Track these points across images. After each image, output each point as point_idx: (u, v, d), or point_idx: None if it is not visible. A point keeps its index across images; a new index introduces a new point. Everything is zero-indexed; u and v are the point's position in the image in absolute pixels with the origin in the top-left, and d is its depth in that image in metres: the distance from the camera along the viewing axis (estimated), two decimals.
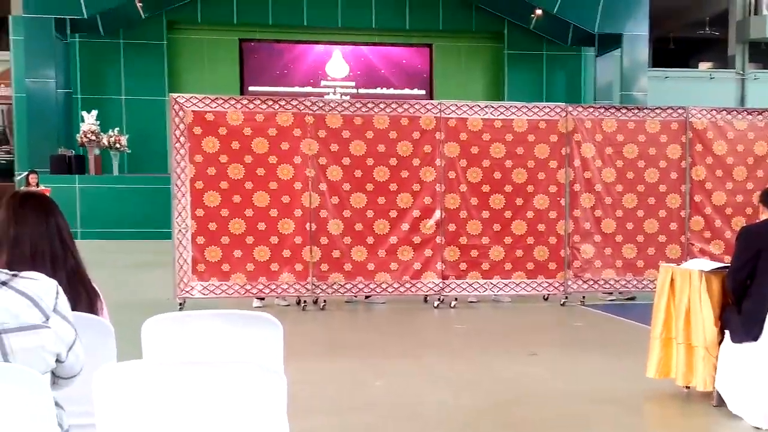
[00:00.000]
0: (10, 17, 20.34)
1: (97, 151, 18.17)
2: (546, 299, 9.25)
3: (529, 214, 9.01)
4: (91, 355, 1.86)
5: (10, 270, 1.68)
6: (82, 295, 2.34)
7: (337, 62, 22.84)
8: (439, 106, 8.92)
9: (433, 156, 8.83)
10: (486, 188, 8.93)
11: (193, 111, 8.28)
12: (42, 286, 1.63)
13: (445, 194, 8.85)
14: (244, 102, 8.49)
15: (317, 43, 22.71)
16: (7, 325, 1.52)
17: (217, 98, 8.43)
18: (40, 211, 2.41)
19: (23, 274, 1.63)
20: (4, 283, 1.58)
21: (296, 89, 22.48)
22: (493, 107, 9.05)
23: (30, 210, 2.39)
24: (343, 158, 8.64)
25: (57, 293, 1.65)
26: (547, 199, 9.04)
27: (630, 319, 8.22)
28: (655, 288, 5.53)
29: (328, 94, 22.75)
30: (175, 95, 8.43)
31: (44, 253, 2.32)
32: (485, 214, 8.95)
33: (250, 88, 22.29)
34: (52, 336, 1.58)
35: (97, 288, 2.47)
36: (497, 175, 8.93)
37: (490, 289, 9.04)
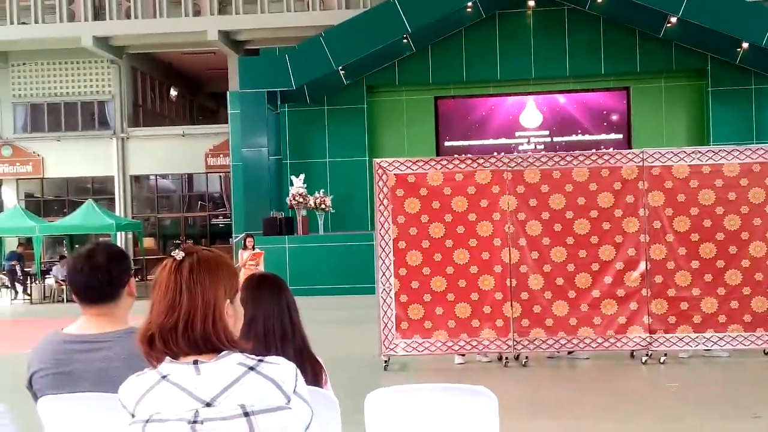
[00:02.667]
0: (228, 93, 22.32)
1: (304, 212, 19.26)
2: (767, 354, 8.58)
3: (745, 263, 8.46)
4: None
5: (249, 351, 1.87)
6: (307, 370, 2.54)
7: (530, 112, 22.82)
8: (641, 155, 8.66)
9: (637, 206, 8.56)
10: (695, 237, 8.51)
11: (395, 174, 8.63)
12: (283, 370, 1.80)
13: (650, 245, 8.54)
14: (444, 162, 8.72)
15: (510, 95, 22.84)
16: (255, 407, 1.70)
17: (417, 161, 8.74)
18: (273, 292, 2.65)
19: (267, 359, 1.82)
20: (251, 368, 1.77)
21: (490, 141, 22.70)
22: (700, 152, 8.64)
23: (265, 291, 2.64)
24: (543, 213, 8.60)
25: (296, 376, 1.81)
26: (764, 246, 8.45)
27: None
28: None
29: (522, 144, 22.75)
30: (378, 160, 8.84)
31: (275, 331, 2.56)
32: (695, 264, 8.51)
33: (446, 143, 22.80)
34: (293, 417, 1.74)
35: (320, 360, 2.67)
36: (707, 223, 8.49)
37: (703, 344, 8.54)
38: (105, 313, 2.58)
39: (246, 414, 1.68)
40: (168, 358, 1.80)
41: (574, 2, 21.20)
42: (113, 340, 2.54)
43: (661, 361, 8.52)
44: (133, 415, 1.75)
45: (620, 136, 22.55)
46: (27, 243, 22.00)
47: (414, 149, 22.25)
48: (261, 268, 14.06)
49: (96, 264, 2.55)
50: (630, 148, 21.95)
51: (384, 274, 8.64)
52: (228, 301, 1.86)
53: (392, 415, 2.39)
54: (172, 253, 1.87)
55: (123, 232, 22.65)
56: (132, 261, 2.74)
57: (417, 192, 8.60)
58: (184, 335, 1.78)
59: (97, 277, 2.54)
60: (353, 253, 18.03)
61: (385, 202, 8.67)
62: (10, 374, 9.59)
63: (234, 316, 1.88)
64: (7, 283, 20.75)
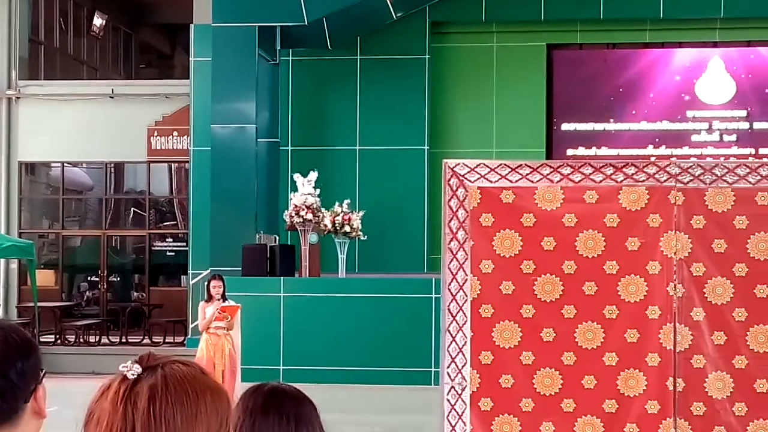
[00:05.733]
0: (191, 26, 22.47)
1: (314, 239, 19.26)
2: None
3: None
4: None
5: None
6: None
7: (714, 77, 22.71)
8: None
9: None
10: None
11: (479, 187, 8.59)
12: None
13: None
14: (566, 171, 8.65)
15: (681, 45, 22.78)
16: None
17: (519, 165, 8.65)
18: (286, 422, 2.70)
19: None
20: None
21: (641, 126, 22.61)
22: None
23: (273, 420, 2.68)
24: (736, 264, 8.50)
25: None
26: None
27: None
28: None
29: (700, 133, 22.64)
30: (451, 162, 8.77)
31: None
32: None
33: (563, 126, 22.79)
34: None
35: None
36: None
37: None
38: None
39: None
40: None
41: None
42: None
43: None
44: None
45: None
46: None
47: (507, 135, 22.26)
48: (236, 337, 14.09)
49: None
50: None
51: (453, 360, 8.60)
52: None
53: None
54: (121, 368, 1.89)
55: (3, 260, 22.95)
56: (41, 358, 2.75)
57: (517, 221, 8.56)
58: None
59: None
60: (396, 311, 18.07)
61: (460, 234, 8.64)
62: None
63: None
64: None
